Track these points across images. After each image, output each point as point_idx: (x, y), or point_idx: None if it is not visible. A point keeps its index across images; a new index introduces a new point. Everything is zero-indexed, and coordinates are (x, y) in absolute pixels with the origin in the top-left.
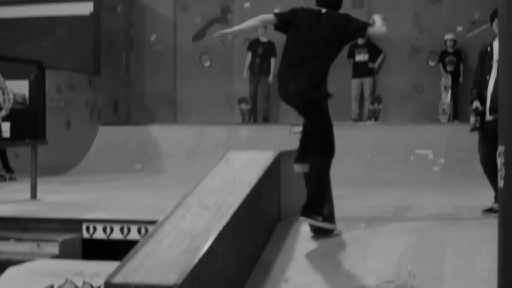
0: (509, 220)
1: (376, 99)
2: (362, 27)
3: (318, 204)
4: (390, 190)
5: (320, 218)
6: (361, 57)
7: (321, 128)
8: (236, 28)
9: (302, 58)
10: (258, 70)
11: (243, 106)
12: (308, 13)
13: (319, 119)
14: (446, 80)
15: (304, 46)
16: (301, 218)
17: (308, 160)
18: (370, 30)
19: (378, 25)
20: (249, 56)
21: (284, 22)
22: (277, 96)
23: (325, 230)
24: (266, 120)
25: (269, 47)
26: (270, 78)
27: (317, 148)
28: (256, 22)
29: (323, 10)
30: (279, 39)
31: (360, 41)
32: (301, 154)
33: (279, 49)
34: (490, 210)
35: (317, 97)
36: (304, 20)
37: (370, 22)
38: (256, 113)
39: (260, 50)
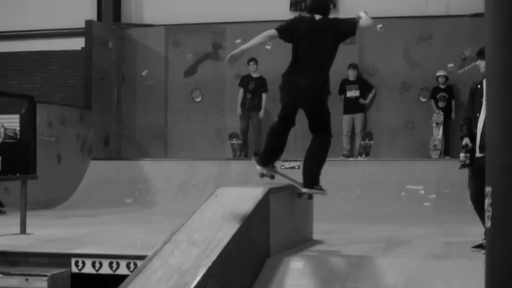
0: (496, 259)
1: (367, 135)
2: (353, 25)
3: (318, 175)
4: (380, 226)
5: (319, 187)
6: (352, 93)
7: (325, 116)
8: (244, 46)
9: (310, 59)
10: (250, 105)
11: (234, 141)
12: (305, 20)
13: (324, 110)
14: (438, 116)
15: (310, 49)
16: (305, 190)
17: (312, 141)
18: (359, 25)
19: (363, 19)
20: (241, 92)
21: (285, 33)
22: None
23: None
24: (256, 155)
25: (260, 83)
26: (261, 113)
27: (321, 131)
28: (261, 39)
29: (317, 17)
30: (270, 74)
31: (351, 77)
32: (270, 159)
33: (271, 85)
34: (480, 246)
35: (323, 93)
36: (303, 27)
37: (357, 18)
38: (247, 148)
39: (252, 86)
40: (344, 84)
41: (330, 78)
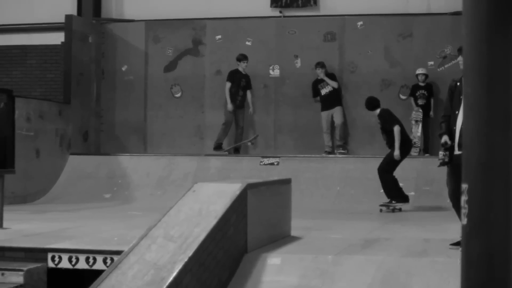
0: (472, 257)
1: (343, 143)
2: None
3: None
4: (359, 223)
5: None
6: (326, 89)
7: None
8: None
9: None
10: (240, 102)
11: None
12: None
13: None
14: (417, 113)
15: None
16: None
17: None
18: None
19: None
20: (228, 85)
21: None
22: (249, 128)
23: None
24: (237, 151)
25: (248, 80)
26: (251, 110)
27: None
28: None
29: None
30: (250, 70)
31: (321, 76)
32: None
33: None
34: (458, 244)
35: None
36: None
37: None
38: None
39: (243, 83)
40: (316, 84)
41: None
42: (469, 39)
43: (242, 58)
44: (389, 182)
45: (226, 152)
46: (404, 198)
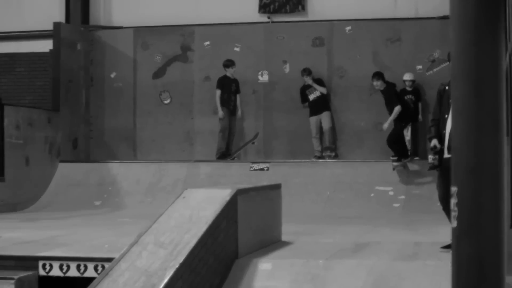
0: (462, 259)
1: (332, 147)
2: None
3: None
4: (349, 227)
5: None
6: (314, 95)
7: None
8: None
9: None
10: (233, 106)
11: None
12: None
13: None
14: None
15: None
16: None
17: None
18: None
19: None
20: (219, 93)
21: None
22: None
23: None
24: (228, 156)
25: (238, 84)
26: (240, 113)
27: None
28: None
29: None
30: (240, 75)
31: (308, 82)
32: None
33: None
34: (449, 247)
35: None
36: None
37: None
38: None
39: (233, 88)
40: (304, 90)
41: None
42: (457, 42)
43: (229, 64)
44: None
45: (235, 159)
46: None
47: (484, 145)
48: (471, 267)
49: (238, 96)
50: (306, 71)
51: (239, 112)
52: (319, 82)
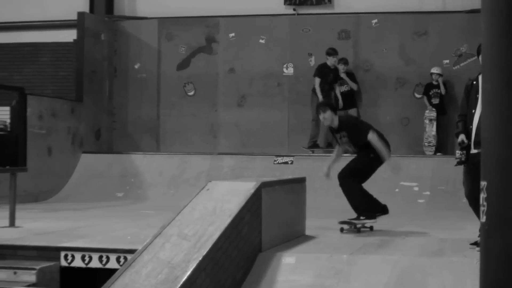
0: (491, 254)
1: None
2: None
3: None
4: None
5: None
6: (343, 88)
7: None
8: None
9: None
10: (326, 96)
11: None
12: None
13: None
14: (431, 112)
15: None
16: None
17: None
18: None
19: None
20: (318, 81)
21: None
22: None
23: None
24: (330, 145)
25: (336, 74)
26: (340, 103)
27: None
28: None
29: None
30: (264, 69)
31: (342, 72)
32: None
33: (263, 79)
34: (476, 244)
35: None
36: None
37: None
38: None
39: (331, 77)
40: (322, 69)
41: None
42: (488, 35)
43: (332, 52)
44: (358, 192)
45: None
46: (382, 209)
47: None
48: (500, 263)
49: (336, 86)
50: (343, 61)
51: (339, 102)
52: (352, 77)
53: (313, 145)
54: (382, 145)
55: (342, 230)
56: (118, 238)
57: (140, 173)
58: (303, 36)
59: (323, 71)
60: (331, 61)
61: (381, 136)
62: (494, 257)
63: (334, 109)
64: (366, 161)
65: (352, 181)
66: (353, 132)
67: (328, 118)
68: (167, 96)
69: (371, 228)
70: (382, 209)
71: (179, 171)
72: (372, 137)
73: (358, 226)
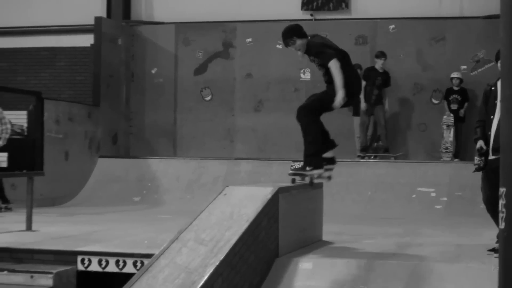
0: (510, 261)
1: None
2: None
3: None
4: (391, 228)
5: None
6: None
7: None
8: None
9: None
10: (375, 100)
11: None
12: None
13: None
14: (448, 118)
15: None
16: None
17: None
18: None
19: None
20: (363, 84)
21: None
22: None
23: None
24: (387, 151)
25: (386, 78)
26: (387, 107)
27: None
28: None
29: None
30: (281, 73)
31: (378, 67)
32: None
33: (282, 84)
34: (493, 250)
35: None
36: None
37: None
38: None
39: (378, 81)
40: (368, 72)
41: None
42: (507, 41)
43: (380, 55)
44: (313, 130)
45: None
46: (330, 160)
47: None
48: None
49: (385, 90)
50: (383, 55)
51: (386, 107)
52: (387, 75)
53: (364, 149)
54: (341, 78)
55: (293, 181)
56: (135, 243)
57: (156, 177)
58: None
59: (369, 74)
60: (379, 64)
61: (353, 74)
62: None
63: (299, 33)
64: (331, 94)
65: (308, 118)
66: (316, 55)
67: (300, 46)
68: (184, 101)
69: (329, 178)
70: (329, 160)
71: (195, 176)
72: (332, 64)
73: (307, 179)
